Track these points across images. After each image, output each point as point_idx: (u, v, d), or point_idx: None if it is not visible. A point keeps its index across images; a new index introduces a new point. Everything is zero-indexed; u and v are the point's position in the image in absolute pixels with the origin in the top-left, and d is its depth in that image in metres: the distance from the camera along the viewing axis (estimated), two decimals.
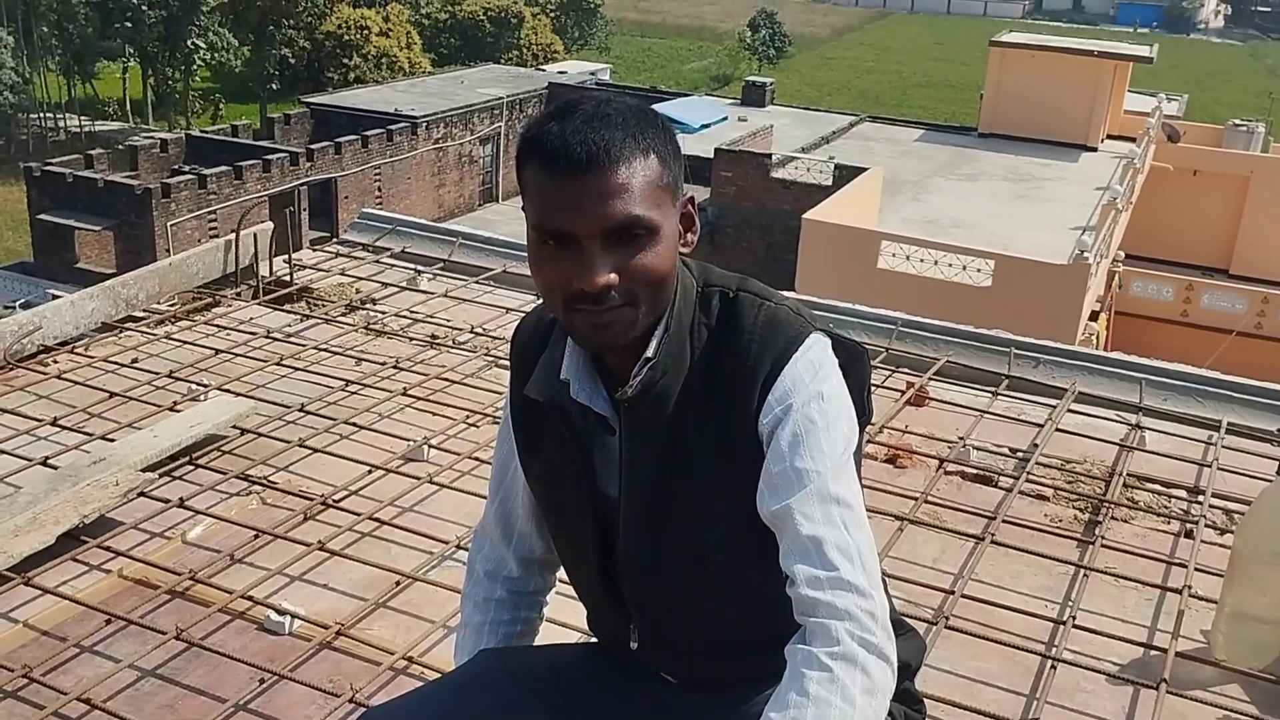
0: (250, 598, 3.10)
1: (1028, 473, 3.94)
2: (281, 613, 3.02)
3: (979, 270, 15.37)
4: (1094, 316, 17.57)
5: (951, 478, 3.96)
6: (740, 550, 1.70)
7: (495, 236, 6.09)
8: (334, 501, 3.63)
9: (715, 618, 1.78)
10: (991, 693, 2.85)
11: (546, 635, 2.07)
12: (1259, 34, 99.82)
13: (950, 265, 15.50)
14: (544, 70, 45.44)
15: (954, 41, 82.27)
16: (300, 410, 4.25)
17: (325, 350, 4.82)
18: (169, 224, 25.74)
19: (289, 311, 5.27)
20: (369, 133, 30.54)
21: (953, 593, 3.21)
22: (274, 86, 49.16)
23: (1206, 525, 3.67)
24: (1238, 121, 28.51)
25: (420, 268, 5.79)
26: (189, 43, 46.98)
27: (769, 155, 24.02)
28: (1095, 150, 25.71)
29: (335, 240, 6.39)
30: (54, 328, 4.81)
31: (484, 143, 35.16)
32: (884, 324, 5.03)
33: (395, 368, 4.66)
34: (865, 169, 20.76)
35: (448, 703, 1.84)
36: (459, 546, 3.38)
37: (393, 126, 31.37)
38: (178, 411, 4.16)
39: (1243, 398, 4.48)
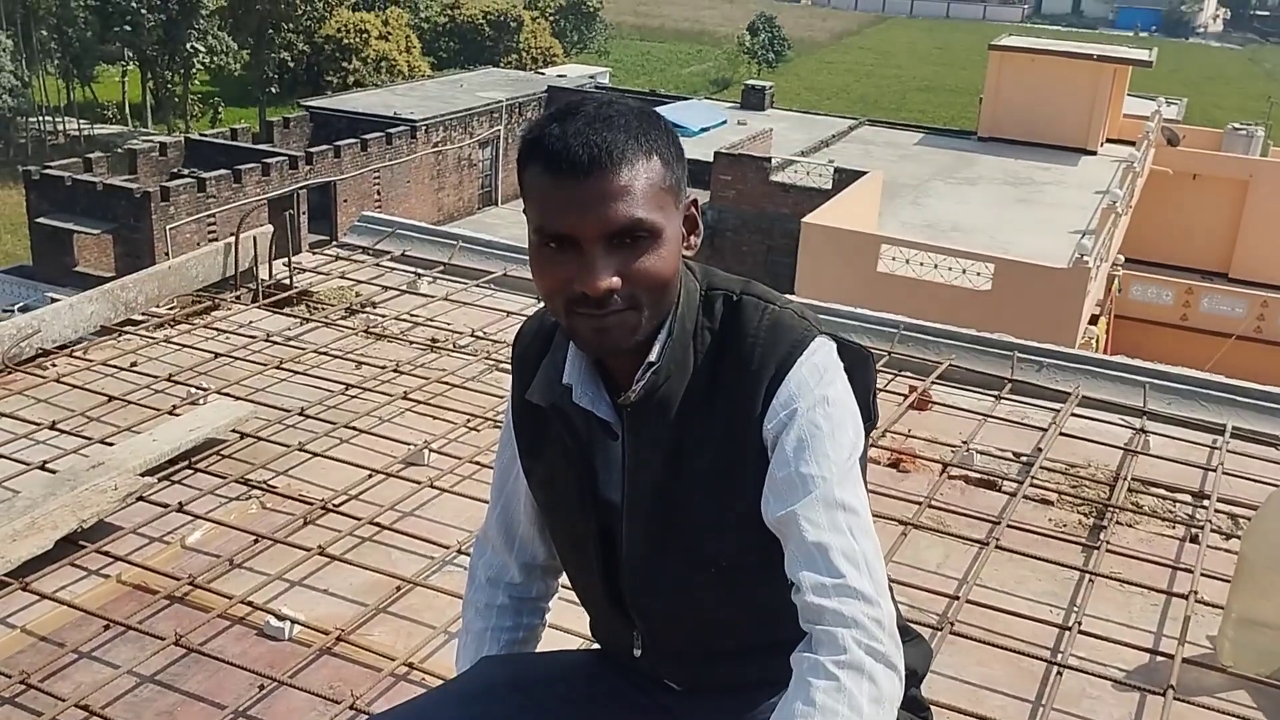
0: (250, 603, 3.08)
1: (1031, 477, 3.93)
2: (281, 618, 3.00)
3: (979, 274, 15.36)
4: (1094, 320, 17.54)
5: (955, 482, 3.94)
6: (744, 556, 1.68)
7: (495, 240, 6.07)
8: (334, 506, 3.61)
9: (719, 624, 1.76)
10: (997, 699, 2.83)
11: (548, 640, 2.04)
12: (1258, 38, 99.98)
13: (950, 269, 15.48)
14: (543, 74, 45.47)
15: (953, 46, 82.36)
16: (300, 414, 4.23)
17: (325, 354, 4.80)
18: (168, 227, 25.73)
19: (289, 315, 5.26)
20: (368, 136, 30.56)
21: (957, 598, 3.19)
22: (273, 90, 49.15)
23: (1212, 530, 3.65)
24: (1237, 125, 28.52)
25: (420, 271, 5.77)
26: (188, 46, 46.97)
27: (768, 159, 24.01)
28: (1095, 154, 25.69)
29: (335, 243, 6.37)
30: (53, 331, 4.79)
31: (483, 146, 35.17)
32: (886, 327, 5.01)
33: (395, 371, 4.64)
34: (865, 173, 20.74)
35: (450, 712, 1.82)
36: (459, 551, 3.36)
37: (392, 130, 31.38)
38: (177, 415, 4.14)
39: (1247, 402, 4.46)
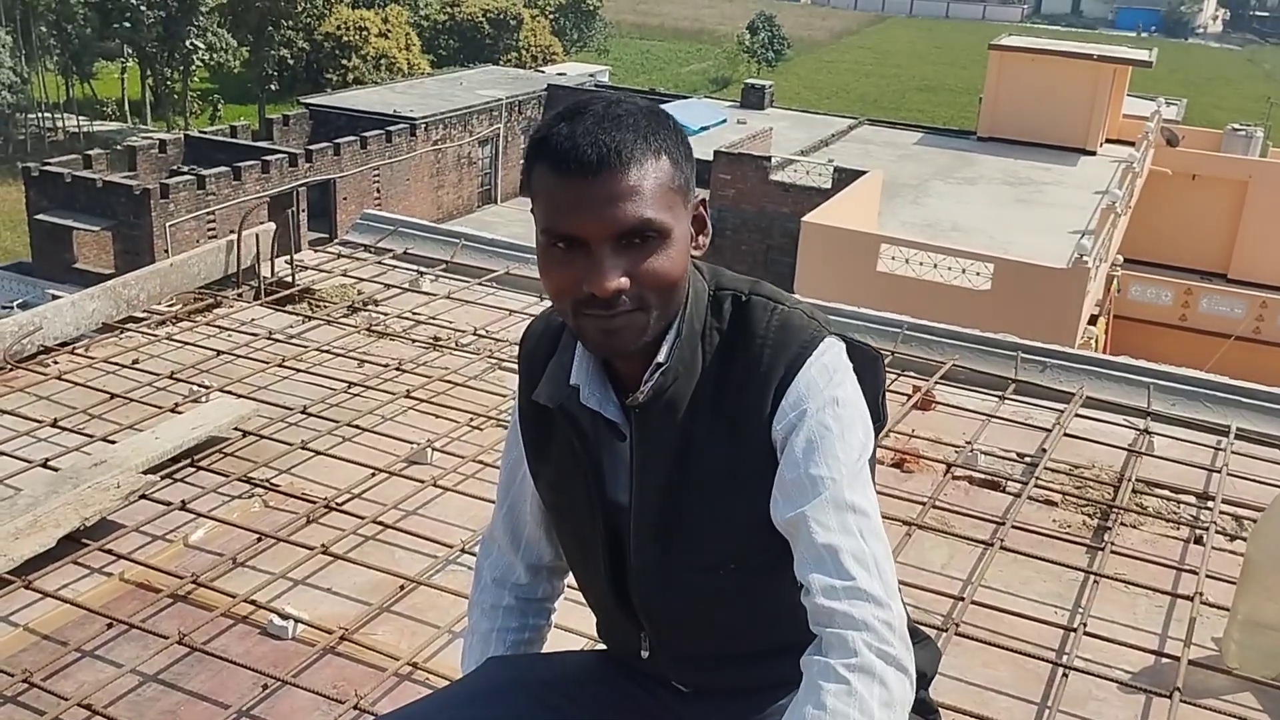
0: (253, 602, 3.08)
1: (1036, 478, 3.92)
2: (285, 617, 2.99)
3: (978, 274, 15.36)
4: (1093, 320, 17.55)
5: (959, 483, 3.94)
6: (753, 558, 1.67)
7: (498, 238, 6.06)
8: (337, 505, 3.60)
9: (728, 626, 1.75)
10: (1003, 701, 2.83)
11: (554, 641, 2.04)
12: (1257, 39, 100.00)
13: (950, 269, 15.48)
14: (543, 72, 45.43)
15: (952, 45, 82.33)
16: (302, 412, 4.23)
17: (327, 352, 4.79)
18: (167, 224, 25.71)
19: (291, 313, 5.25)
20: (368, 134, 30.54)
21: (962, 599, 3.18)
22: (273, 87, 49.10)
23: (1217, 531, 3.64)
24: (1236, 126, 28.52)
25: (423, 269, 5.77)
26: (188, 43, 46.91)
27: (768, 158, 24.01)
28: (1094, 154, 25.70)
29: (337, 241, 6.36)
30: (54, 328, 4.78)
31: (483, 144, 35.16)
32: (889, 327, 5.00)
33: (398, 370, 4.63)
34: (864, 172, 20.74)
35: (456, 713, 1.81)
36: (463, 550, 3.35)
37: (391, 128, 31.36)
38: (179, 413, 4.13)
39: (1251, 403, 4.46)
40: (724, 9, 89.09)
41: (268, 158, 28.17)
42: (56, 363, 4.63)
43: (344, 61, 47.84)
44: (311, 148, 29.54)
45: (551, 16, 63.19)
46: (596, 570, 1.79)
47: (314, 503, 3.60)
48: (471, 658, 1.95)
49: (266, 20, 47.95)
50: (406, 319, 5.20)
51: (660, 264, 1.56)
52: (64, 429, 4.05)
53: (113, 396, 4.30)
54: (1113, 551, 3.50)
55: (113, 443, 3.89)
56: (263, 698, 2.72)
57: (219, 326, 5.05)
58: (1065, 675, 2.89)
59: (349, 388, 4.45)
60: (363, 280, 5.66)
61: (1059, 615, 3.19)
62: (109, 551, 3.31)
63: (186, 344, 4.84)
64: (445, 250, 5.93)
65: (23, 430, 4.02)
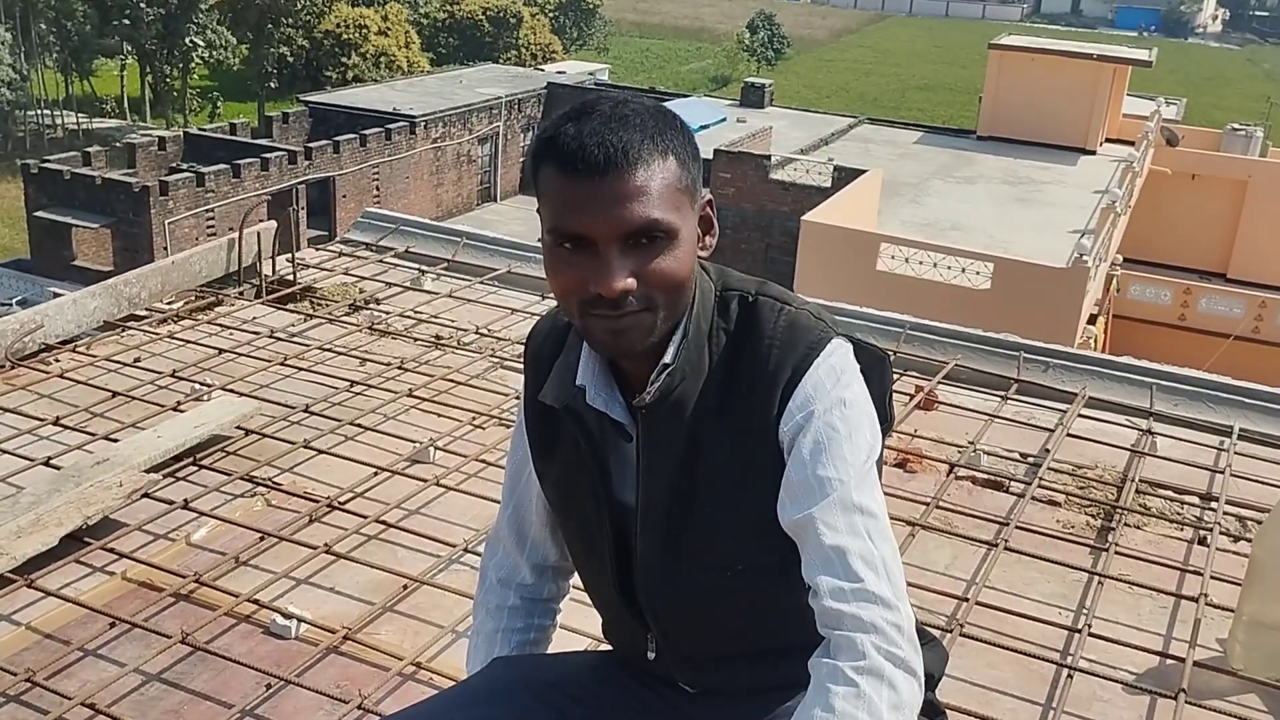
0: (256, 601, 3.07)
1: (1039, 478, 3.92)
2: (288, 616, 2.98)
3: (978, 273, 15.35)
4: (1092, 320, 17.55)
5: (962, 483, 3.93)
6: (760, 560, 1.67)
7: (500, 237, 6.06)
8: (340, 504, 3.59)
9: (734, 628, 1.75)
10: (1008, 702, 2.82)
11: (559, 641, 2.03)
12: (1257, 38, 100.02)
13: (949, 268, 15.48)
14: (542, 70, 45.42)
15: (952, 44, 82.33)
16: (305, 411, 4.22)
17: (329, 350, 4.78)
18: (167, 222, 25.71)
19: (292, 311, 5.24)
20: (367, 132, 30.54)
21: (966, 600, 3.18)
22: (272, 85, 49.06)
23: (1221, 532, 3.64)
24: (1236, 126, 28.53)
25: (424, 268, 5.76)
26: (187, 40, 46.90)
27: (768, 157, 24.01)
28: (1094, 154, 25.70)
29: (338, 240, 6.35)
30: (56, 326, 4.77)
31: (482, 142, 35.16)
32: (892, 327, 4.99)
33: (400, 368, 4.62)
34: (864, 171, 20.75)
35: (462, 713, 1.80)
36: (467, 549, 3.35)
37: (391, 125, 31.37)
38: (181, 411, 4.12)
39: (1254, 403, 4.45)
40: (724, 7, 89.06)
41: (267, 155, 28.18)
42: (58, 361, 4.62)
43: (344, 59, 47.81)
44: (311, 145, 29.56)
45: (551, 15, 63.19)
46: (602, 571, 1.79)
47: (316, 502, 3.59)
48: (477, 658, 1.95)
49: (266, 18, 47.92)
50: (408, 318, 5.19)
51: (667, 264, 1.56)
52: (66, 427, 4.04)
53: (115, 395, 4.29)
54: (1117, 552, 3.49)
55: (115, 441, 3.88)
56: (266, 697, 2.71)
57: (220, 325, 5.04)
58: (1070, 676, 2.89)
59: (351, 386, 4.45)
60: (364, 279, 5.65)
61: (1063, 616, 3.18)
62: (111, 550, 3.30)
63: (188, 342, 4.83)
64: (447, 249, 5.92)
65: (25, 428, 4.01)
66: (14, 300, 24.55)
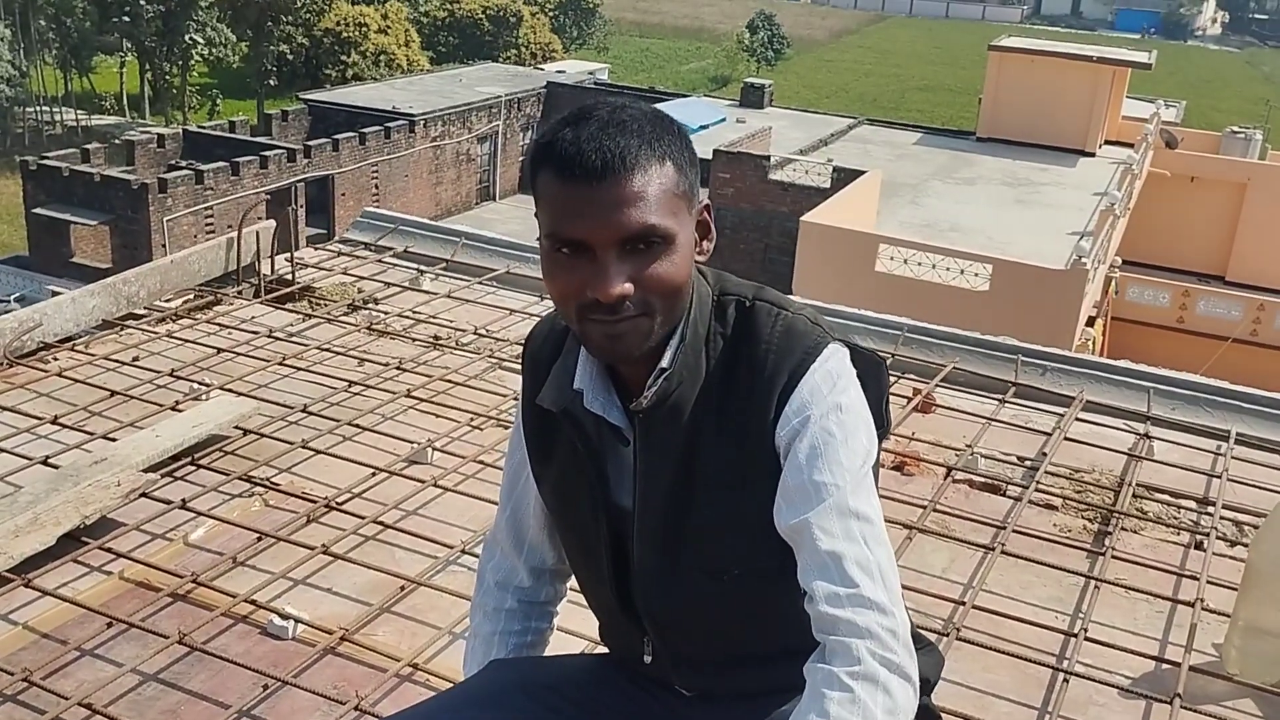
0: (253, 601, 3.07)
1: (1036, 482, 3.92)
2: (285, 617, 2.98)
3: (976, 275, 15.36)
4: (1090, 322, 17.56)
5: (959, 486, 3.94)
6: (757, 564, 1.67)
7: (499, 237, 6.05)
8: (337, 504, 3.60)
9: (731, 632, 1.76)
10: (1003, 705, 2.83)
11: (556, 644, 2.04)
12: (1256, 41, 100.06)
13: (948, 269, 15.49)
14: (542, 69, 45.42)
15: (952, 46, 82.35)
16: (303, 411, 4.22)
17: (328, 350, 4.78)
18: (165, 219, 25.69)
19: (291, 311, 5.24)
20: (366, 130, 30.52)
21: (963, 603, 3.18)
22: (272, 83, 49.02)
23: (1217, 537, 3.64)
24: (1235, 128, 28.52)
25: (423, 268, 5.76)
26: (187, 38, 46.87)
27: (767, 157, 24.01)
28: (1093, 156, 25.71)
29: (337, 239, 6.35)
30: (54, 324, 4.77)
31: (481, 141, 35.15)
32: (890, 329, 5.00)
33: (398, 369, 4.62)
34: (863, 172, 20.75)
35: (459, 715, 1.81)
36: (464, 551, 3.35)
37: (390, 124, 31.36)
38: (180, 411, 4.12)
39: (1251, 408, 4.46)
40: (724, 7, 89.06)
41: (266, 153, 28.17)
42: (56, 359, 4.62)
43: (343, 57, 47.78)
44: (310, 144, 29.54)
45: (551, 14, 63.17)
46: (600, 574, 1.79)
47: (314, 502, 3.59)
48: (474, 660, 1.96)
49: (266, 15, 47.88)
50: (407, 318, 5.19)
51: (664, 270, 1.56)
52: (64, 426, 4.04)
53: (113, 394, 4.29)
54: (1113, 556, 3.50)
55: (113, 440, 3.88)
56: (263, 698, 2.71)
57: (219, 324, 5.04)
58: (1066, 681, 2.89)
59: (349, 386, 4.45)
60: (363, 278, 5.65)
61: (1059, 620, 3.19)
62: (109, 550, 3.30)
63: (187, 341, 4.83)
64: (445, 249, 5.92)
65: (23, 427, 4.01)
66: (12, 297, 24.55)
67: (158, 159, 29.34)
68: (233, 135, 31.02)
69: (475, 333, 5.04)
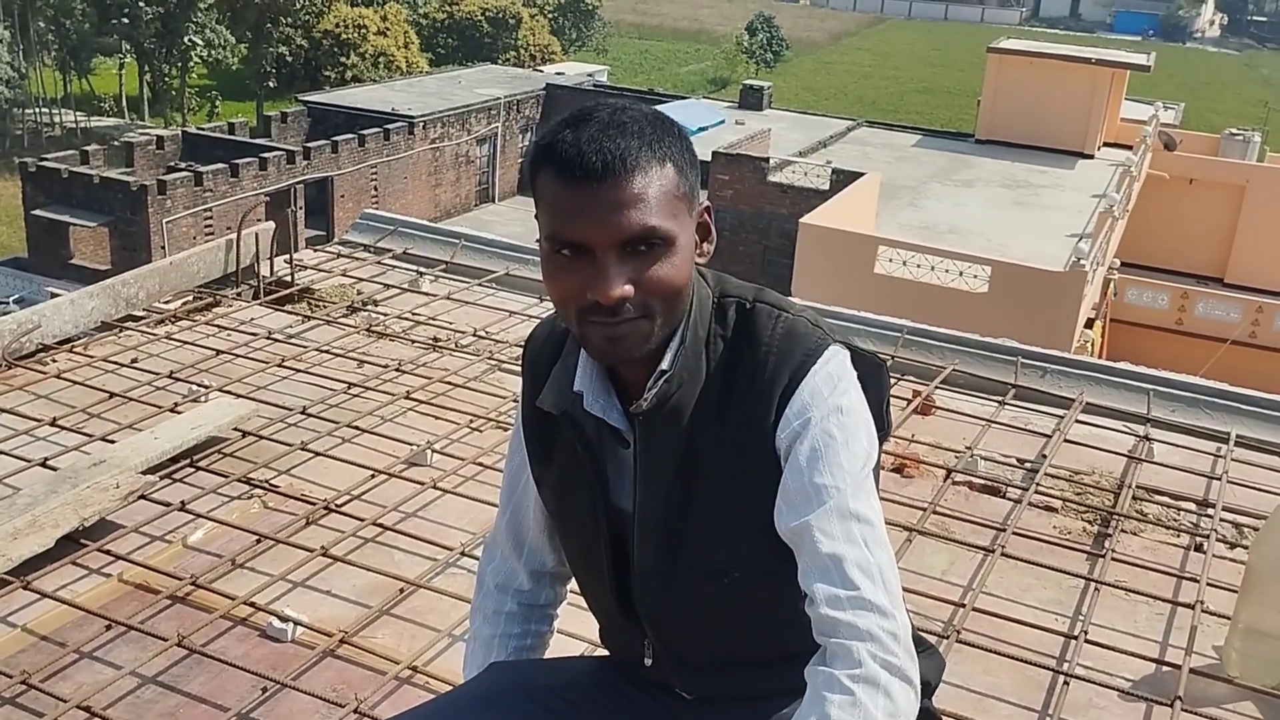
0: (252, 604, 3.07)
1: (1036, 484, 3.92)
2: (284, 619, 2.98)
3: (975, 276, 15.36)
4: (1089, 324, 17.56)
5: (959, 488, 3.93)
6: (757, 566, 1.67)
7: (498, 239, 6.05)
8: (336, 506, 3.59)
9: (731, 634, 1.75)
10: (1004, 708, 2.82)
11: (556, 646, 2.04)
12: (1254, 43, 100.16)
13: (947, 271, 15.47)
14: (541, 71, 45.44)
15: (951, 48, 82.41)
16: (302, 413, 4.21)
17: (327, 352, 4.78)
18: (164, 221, 25.70)
19: (290, 312, 5.23)
20: (366, 132, 30.53)
21: (963, 605, 3.18)
22: (271, 84, 49.04)
23: (1218, 539, 3.64)
24: (1234, 130, 28.54)
25: (422, 269, 5.75)
26: (186, 39, 46.88)
27: (766, 159, 24.00)
28: (1092, 158, 25.71)
29: (336, 241, 6.35)
30: (53, 326, 4.76)
31: (481, 143, 35.16)
32: (890, 331, 4.99)
33: (398, 370, 4.62)
34: (862, 174, 20.74)
35: (459, 718, 1.81)
36: (463, 553, 3.34)
37: (390, 126, 31.36)
38: (178, 413, 4.12)
39: (1251, 410, 4.45)
40: (723, 9, 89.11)
41: (265, 155, 28.17)
42: (55, 361, 4.61)
43: (342, 59, 47.81)
44: (309, 145, 29.55)
45: (550, 16, 63.22)
46: (600, 576, 1.79)
47: (313, 504, 3.59)
48: (474, 663, 1.95)
49: (265, 17, 47.91)
50: (406, 319, 5.19)
51: (665, 272, 1.56)
52: (63, 428, 4.04)
53: (112, 395, 4.29)
54: (1113, 558, 3.49)
55: (112, 442, 3.87)
56: (262, 700, 2.71)
57: (218, 326, 5.04)
58: (1066, 683, 2.89)
59: (348, 388, 4.44)
60: (362, 280, 5.65)
61: (1060, 622, 3.18)
62: (108, 552, 3.29)
63: (186, 343, 4.83)
64: (445, 250, 5.92)
65: (21, 429, 4.00)
66: (11, 299, 24.55)
67: (157, 161, 29.34)
68: (232, 137, 31.03)
69: (474, 334, 5.03)
